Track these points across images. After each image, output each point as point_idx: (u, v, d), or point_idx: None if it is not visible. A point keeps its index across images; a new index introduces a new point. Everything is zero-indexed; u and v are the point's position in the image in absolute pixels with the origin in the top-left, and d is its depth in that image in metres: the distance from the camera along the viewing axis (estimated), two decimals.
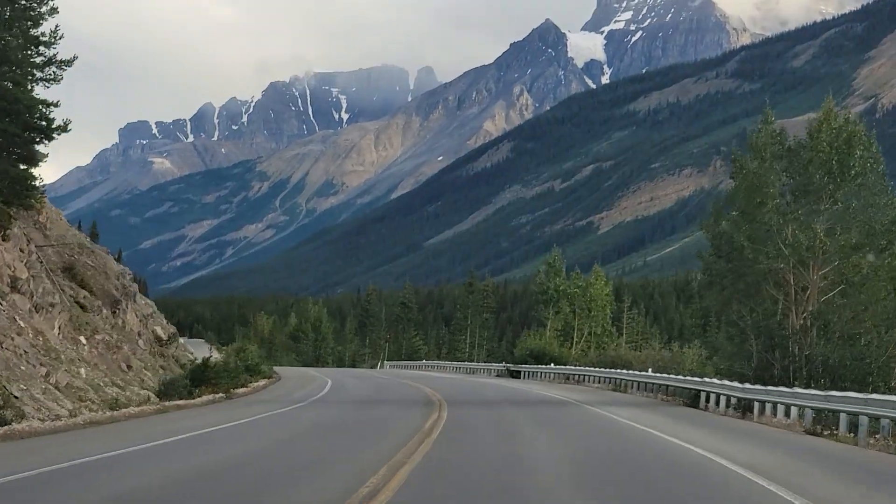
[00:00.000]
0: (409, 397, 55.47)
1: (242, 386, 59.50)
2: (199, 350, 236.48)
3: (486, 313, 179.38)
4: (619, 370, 76.02)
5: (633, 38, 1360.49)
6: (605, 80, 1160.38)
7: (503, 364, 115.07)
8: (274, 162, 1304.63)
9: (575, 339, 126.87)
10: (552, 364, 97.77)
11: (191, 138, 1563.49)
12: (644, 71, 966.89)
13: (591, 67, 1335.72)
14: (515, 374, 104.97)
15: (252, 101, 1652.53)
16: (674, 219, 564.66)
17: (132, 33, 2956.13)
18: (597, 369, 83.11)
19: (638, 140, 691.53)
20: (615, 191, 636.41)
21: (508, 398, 57.32)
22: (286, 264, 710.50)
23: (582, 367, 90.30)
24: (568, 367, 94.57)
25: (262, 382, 69.71)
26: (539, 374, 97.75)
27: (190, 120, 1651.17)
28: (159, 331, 69.23)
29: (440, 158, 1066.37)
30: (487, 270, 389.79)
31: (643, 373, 69.23)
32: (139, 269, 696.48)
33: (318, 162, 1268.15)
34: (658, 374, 65.47)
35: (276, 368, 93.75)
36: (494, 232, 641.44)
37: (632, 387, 68.95)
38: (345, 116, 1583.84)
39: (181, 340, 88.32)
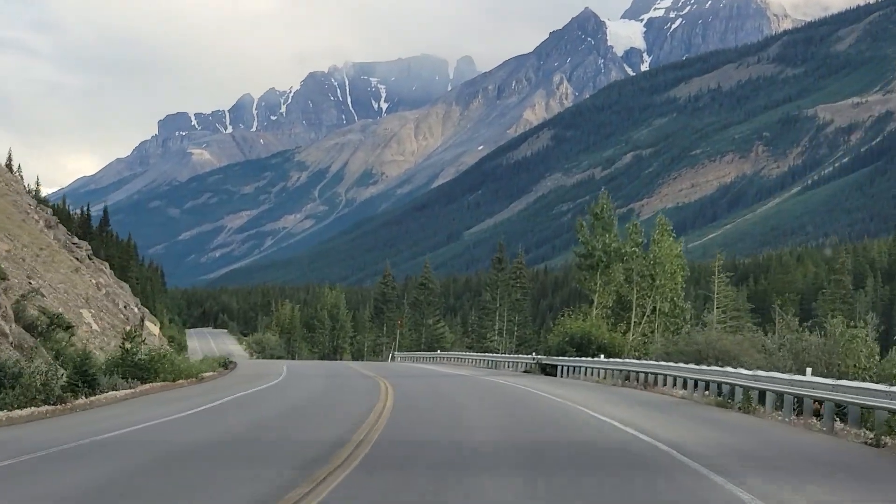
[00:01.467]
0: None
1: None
2: (219, 340, 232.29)
3: (518, 294, 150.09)
4: (737, 370, 41.90)
5: (673, 26, 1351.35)
6: (644, 68, 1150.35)
7: (532, 356, 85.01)
8: (313, 152, 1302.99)
9: (633, 320, 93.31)
10: (601, 356, 70.12)
11: (230, 129, 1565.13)
12: (684, 58, 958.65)
13: (631, 55, 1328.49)
14: (549, 370, 77.28)
15: (291, 92, 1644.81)
16: (715, 205, 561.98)
17: (172, 26, 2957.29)
18: (688, 367, 49.16)
19: (678, 127, 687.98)
20: (655, 178, 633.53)
21: (526, 443, 26.91)
22: (325, 254, 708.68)
23: (654, 363, 57.54)
24: (628, 360, 64.91)
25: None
26: (582, 369, 68.87)
27: (229, 111, 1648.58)
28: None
29: (480, 148, 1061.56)
30: (528, 259, 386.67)
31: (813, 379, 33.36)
32: (178, 260, 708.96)
33: (357, 152, 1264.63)
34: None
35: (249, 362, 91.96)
36: (535, 220, 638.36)
37: (759, 400, 38.10)
38: (384, 106, 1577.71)
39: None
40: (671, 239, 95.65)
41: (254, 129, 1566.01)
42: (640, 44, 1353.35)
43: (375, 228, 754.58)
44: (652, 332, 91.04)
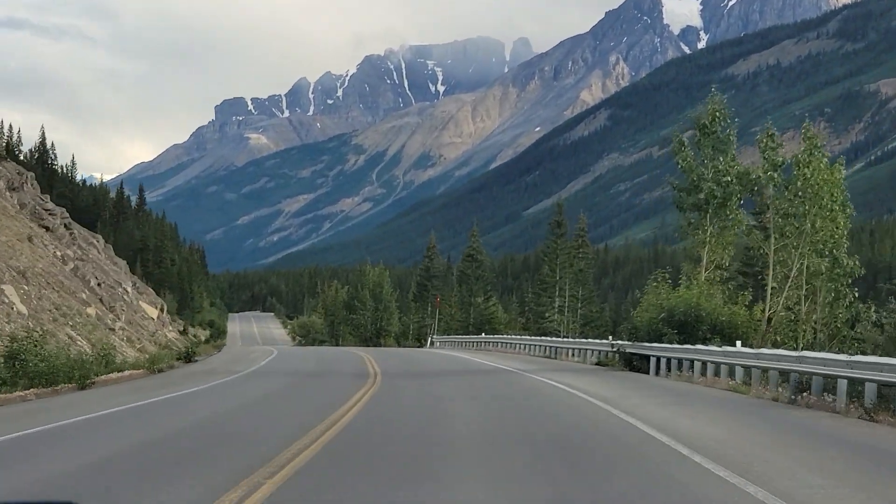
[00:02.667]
0: None
1: None
2: (262, 324, 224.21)
3: (582, 264, 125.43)
4: None
5: (730, 3, 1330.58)
6: (701, 46, 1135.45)
7: (610, 342, 59.75)
8: (370, 135, 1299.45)
9: (771, 285, 57.80)
10: (725, 345, 44.65)
11: (286, 113, 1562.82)
12: (742, 35, 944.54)
13: (688, 34, 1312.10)
14: (637, 364, 52.90)
15: (347, 76, 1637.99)
16: None
17: (227, 11, 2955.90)
18: None
19: (737, 104, 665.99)
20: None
21: None
22: (383, 237, 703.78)
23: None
24: (780, 352, 37.24)
25: None
26: (694, 365, 44.16)
27: (285, 95, 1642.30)
28: None
29: (537, 129, 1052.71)
30: (588, 238, 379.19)
31: None
32: (236, 244, 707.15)
33: (414, 134, 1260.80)
34: None
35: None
36: (593, 200, 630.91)
37: None
38: (441, 89, 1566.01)
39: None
40: (823, 157, 58.78)
41: (310, 112, 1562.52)
42: (696, 22, 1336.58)
43: (433, 210, 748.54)
44: (796, 304, 57.75)
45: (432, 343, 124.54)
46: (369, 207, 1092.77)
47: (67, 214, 77.27)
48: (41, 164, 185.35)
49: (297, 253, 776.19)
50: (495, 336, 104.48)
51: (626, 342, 54.90)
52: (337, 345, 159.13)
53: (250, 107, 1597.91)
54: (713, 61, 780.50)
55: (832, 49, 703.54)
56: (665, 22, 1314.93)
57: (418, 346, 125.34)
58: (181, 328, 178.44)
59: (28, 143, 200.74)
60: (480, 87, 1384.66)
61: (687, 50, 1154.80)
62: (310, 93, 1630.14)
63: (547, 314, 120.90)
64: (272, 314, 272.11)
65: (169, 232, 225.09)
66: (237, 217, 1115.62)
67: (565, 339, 77.76)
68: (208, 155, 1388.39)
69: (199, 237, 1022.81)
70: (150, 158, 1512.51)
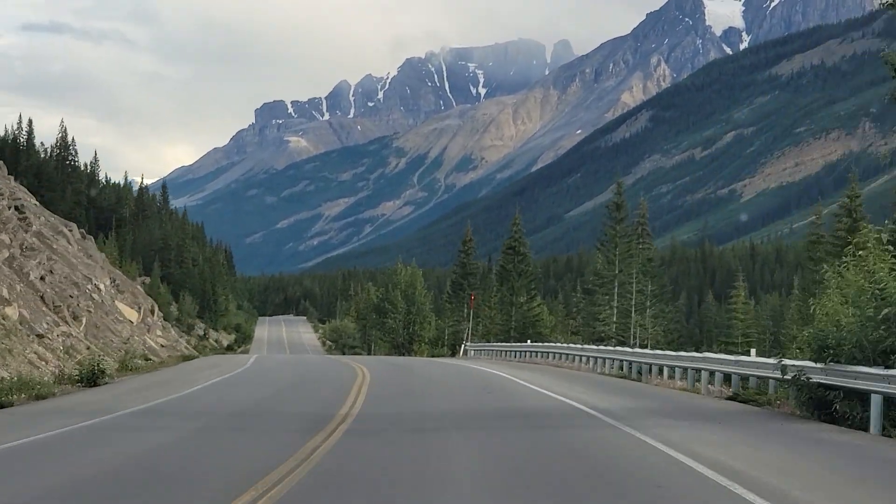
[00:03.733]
0: None
1: None
2: (292, 329, 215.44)
3: (648, 254, 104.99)
4: None
5: (773, 4, 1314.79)
6: (743, 47, 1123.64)
7: (776, 362, 32.17)
8: (411, 138, 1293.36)
9: None
10: None
11: (326, 116, 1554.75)
12: (786, 35, 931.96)
13: (730, 35, 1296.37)
14: (834, 408, 27.39)
15: (388, 78, 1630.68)
16: (821, 184, 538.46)
17: (268, 15, 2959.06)
18: None
19: (781, 104, 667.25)
20: (758, 157, 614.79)
21: None
22: (425, 240, 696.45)
23: None
24: None
25: None
26: None
27: (325, 98, 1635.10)
28: None
29: (578, 132, 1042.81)
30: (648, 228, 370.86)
31: None
32: (276, 248, 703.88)
33: (455, 137, 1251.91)
34: None
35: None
36: (634, 202, 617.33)
37: None
38: (482, 91, 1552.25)
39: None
40: None
41: (351, 115, 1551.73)
42: (738, 23, 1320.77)
43: (475, 213, 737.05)
44: None
45: (465, 352, 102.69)
46: (410, 211, 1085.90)
47: (19, 197, 66.58)
48: (61, 159, 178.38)
49: (337, 257, 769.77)
50: (545, 345, 78.57)
51: (810, 362, 28.73)
52: (368, 352, 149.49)
53: (290, 110, 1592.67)
54: (756, 61, 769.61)
55: (878, 48, 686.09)
56: (707, 23, 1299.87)
57: (451, 356, 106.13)
58: (201, 332, 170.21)
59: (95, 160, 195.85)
60: (521, 90, 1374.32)
61: (729, 51, 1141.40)
62: (350, 95, 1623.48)
63: (602, 315, 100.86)
64: (304, 318, 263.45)
65: (191, 231, 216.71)
66: (277, 221, 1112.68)
67: (660, 354, 50.23)
68: (248, 158, 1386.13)
69: (239, 241, 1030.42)
70: (191, 162, 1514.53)
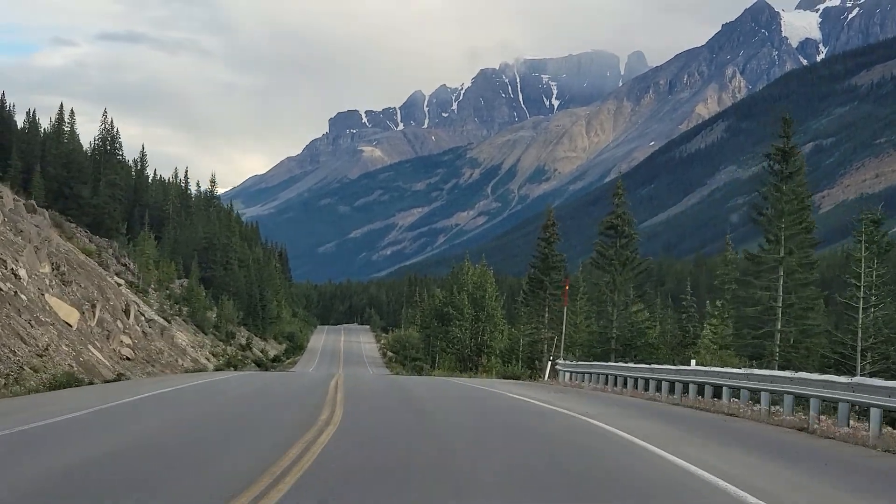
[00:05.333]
0: None
1: None
2: (352, 338, 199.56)
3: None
4: None
5: (850, 15, 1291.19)
6: (820, 59, 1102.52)
7: None
8: (485, 148, 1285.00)
9: None
10: None
11: (401, 126, 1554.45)
12: (864, 45, 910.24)
13: (806, 46, 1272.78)
14: None
15: (462, 89, 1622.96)
16: None
17: (343, 25, 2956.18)
18: None
19: (860, 115, 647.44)
20: (837, 168, 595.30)
21: None
22: (498, 250, 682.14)
23: None
24: None
25: None
26: None
27: (400, 108, 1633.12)
28: None
29: (652, 143, 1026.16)
30: (703, 253, 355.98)
31: None
32: (350, 258, 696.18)
33: (529, 148, 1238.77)
34: None
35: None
36: (710, 214, 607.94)
37: None
38: (555, 103, 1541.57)
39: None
40: None
41: (425, 125, 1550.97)
42: (815, 34, 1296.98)
43: (537, 237, 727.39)
44: None
45: (554, 372, 67.10)
46: (484, 221, 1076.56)
47: None
48: (104, 153, 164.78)
49: (410, 266, 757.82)
50: (727, 373, 38.21)
51: None
52: (433, 365, 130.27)
53: (364, 119, 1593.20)
54: (835, 72, 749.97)
55: None
56: (783, 34, 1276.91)
57: (529, 378, 76.19)
58: (244, 341, 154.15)
59: (148, 158, 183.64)
60: (595, 101, 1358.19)
61: (805, 63, 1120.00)
62: (425, 106, 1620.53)
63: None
64: (368, 327, 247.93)
65: (238, 229, 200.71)
66: (350, 230, 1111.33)
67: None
68: (322, 167, 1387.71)
69: (312, 250, 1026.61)
70: (264, 171, 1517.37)
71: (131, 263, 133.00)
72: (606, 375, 51.99)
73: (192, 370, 58.79)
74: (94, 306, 45.86)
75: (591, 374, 55.33)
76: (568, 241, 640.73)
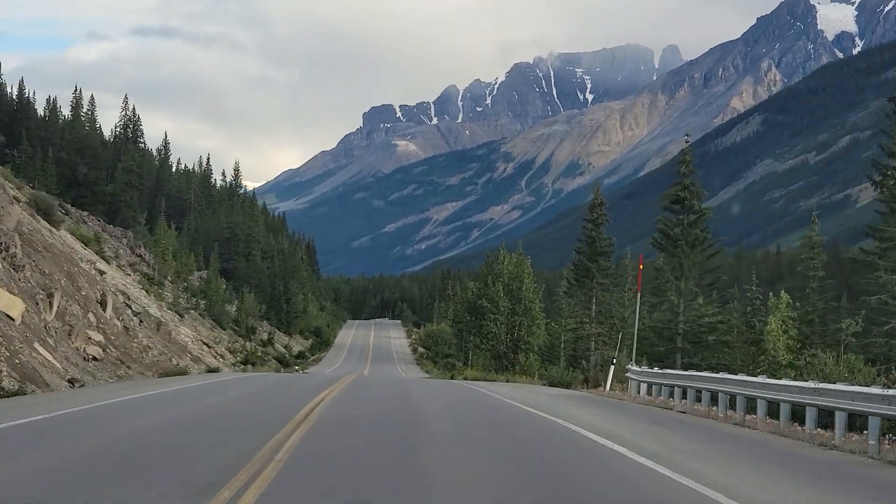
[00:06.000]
0: None
1: None
2: (382, 333, 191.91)
3: None
4: None
5: (886, 8, 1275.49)
6: (856, 52, 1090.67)
7: None
8: (519, 143, 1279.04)
9: None
10: None
11: (435, 121, 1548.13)
12: None
13: (842, 39, 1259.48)
14: None
15: (496, 83, 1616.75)
16: None
17: (377, 19, 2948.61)
18: None
19: None
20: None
21: None
22: (533, 244, 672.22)
23: None
24: None
25: None
26: None
27: (433, 102, 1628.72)
28: None
29: (686, 137, 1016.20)
30: (741, 246, 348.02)
31: None
32: (384, 252, 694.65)
33: (563, 142, 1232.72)
34: None
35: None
36: (746, 208, 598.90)
37: None
38: (589, 97, 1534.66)
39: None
40: None
41: (459, 120, 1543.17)
42: (851, 27, 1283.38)
43: (583, 219, 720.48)
44: None
45: (624, 380, 53.16)
46: (518, 215, 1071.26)
47: None
48: (125, 140, 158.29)
49: (444, 261, 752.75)
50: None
51: None
52: (465, 363, 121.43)
53: (398, 114, 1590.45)
54: (872, 65, 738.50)
55: None
56: (819, 27, 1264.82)
57: (584, 384, 62.47)
58: (265, 336, 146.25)
59: (182, 153, 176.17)
60: (629, 95, 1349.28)
61: (841, 56, 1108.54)
62: (458, 100, 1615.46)
63: None
64: (399, 322, 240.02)
65: (264, 219, 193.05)
66: (384, 224, 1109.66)
67: None
68: (356, 162, 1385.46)
69: (346, 244, 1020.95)
70: (298, 165, 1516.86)
71: (147, 254, 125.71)
72: (714, 392, 36.02)
73: (185, 371, 50.97)
74: (50, 296, 38.11)
75: (680, 387, 39.74)
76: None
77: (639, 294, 57.67)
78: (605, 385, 54.29)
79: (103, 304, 45.34)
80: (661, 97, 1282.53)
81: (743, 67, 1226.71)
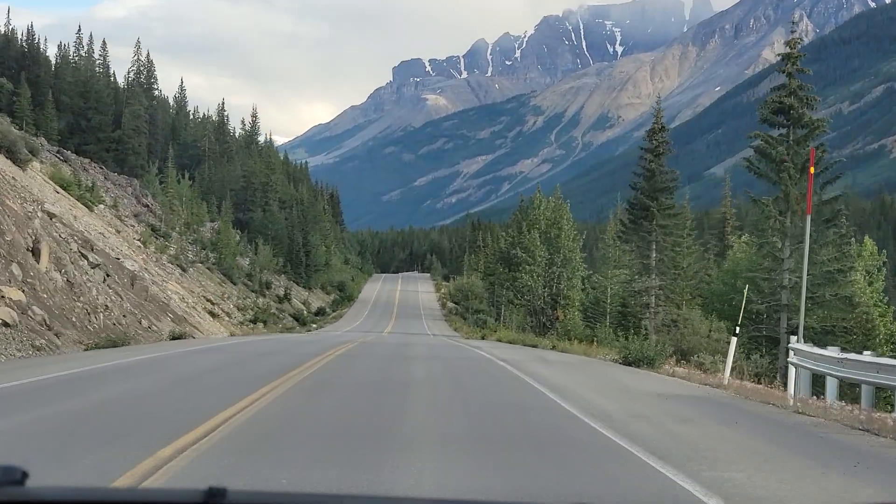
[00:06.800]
0: None
1: None
2: (409, 286, 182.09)
3: None
4: None
5: None
6: (889, 1, 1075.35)
7: None
8: (548, 96, 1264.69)
9: None
10: None
11: (464, 75, 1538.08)
12: None
13: None
14: None
15: (525, 37, 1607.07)
16: None
17: None
18: None
19: None
20: None
21: None
22: (563, 198, 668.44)
23: None
24: None
25: None
26: None
27: (463, 56, 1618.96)
28: None
29: (717, 88, 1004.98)
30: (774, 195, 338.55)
31: None
32: (414, 206, 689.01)
33: (592, 95, 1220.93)
34: None
35: None
36: None
37: None
38: (619, 49, 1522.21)
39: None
40: None
41: (488, 74, 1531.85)
42: None
43: (613, 171, 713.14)
44: None
45: (792, 372, 29.16)
46: (548, 168, 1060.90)
47: None
48: (139, 86, 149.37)
49: (475, 215, 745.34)
50: None
51: None
52: (497, 318, 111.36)
53: (428, 68, 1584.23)
54: None
55: None
56: None
57: (679, 365, 40.41)
58: (282, 291, 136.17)
59: (206, 105, 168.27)
60: (659, 47, 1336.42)
61: (873, 5, 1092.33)
62: (488, 54, 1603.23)
63: None
64: (428, 275, 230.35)
65: (286, 169, 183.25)
66: (414, 178, 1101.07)
67: None
68: (386, 116, 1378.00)
69: (376, 199, 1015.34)
70: (328, 120, 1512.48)
71: (154, 204, 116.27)
72: None
73: (149, 337, 41.21)
74: None
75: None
76: (633, 190, 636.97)
77: (808, 219, 32.06)
78: (723, 372, 32.96)
79: (36, 252, 35.95)
80: (692, 48, 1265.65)
81: (774, 18, 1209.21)
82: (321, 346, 40.07)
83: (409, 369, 29.73)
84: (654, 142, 74.14)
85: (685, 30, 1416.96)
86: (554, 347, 54.55)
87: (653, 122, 75.59)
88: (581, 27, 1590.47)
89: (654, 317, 65.08)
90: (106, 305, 39.99)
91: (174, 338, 43.40)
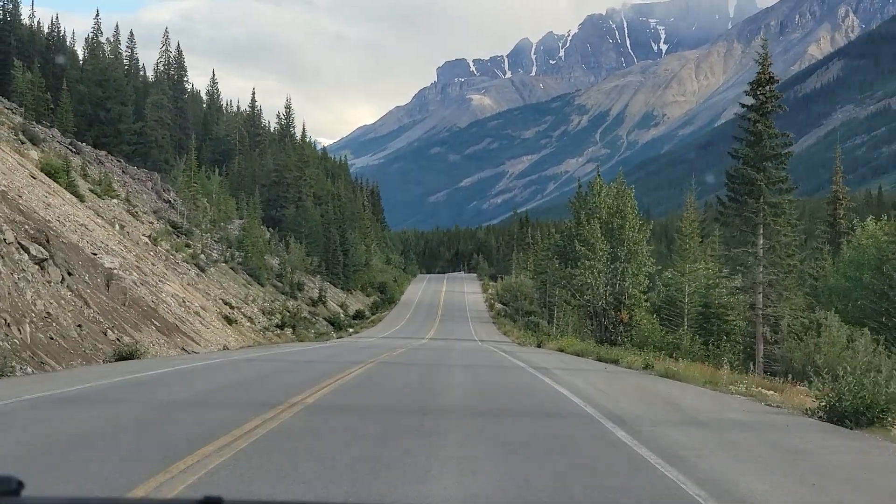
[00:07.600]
0: None
1: None
2: (455, 287, 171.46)
3: None
4: None
5: None
6: None
7: None
8: (593, 95, 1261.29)
9: None
10: None
11: (508, 74, 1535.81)
12: None
13: None
14: None
15: (569, 36, 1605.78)
16: None
17: None
18: None
19: None
20: None
21: None
22: (626, 183, 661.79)
23: None
24: None
25: None
26: None
27: (507, 56, 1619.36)
28: None
29: None
30: (824, 193, 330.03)
31: None
32: (460, 206, 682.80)
33: (637, 93, 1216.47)
34: None
35: None
36: (826, 155, 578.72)
37: None
38: (663, 47, 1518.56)
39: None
40: None
41: (532, 73, 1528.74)
42: None
43: (659, 169, 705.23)
44: None
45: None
46: (593, 168, 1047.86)
47: None
48: (170, 79, 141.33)
49: (521, 214, 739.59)
50: None
51: None
52: (550, 321, 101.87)
53: (472, 68, 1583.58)
54: None
55: None
56: None
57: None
58: (315, 294, 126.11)
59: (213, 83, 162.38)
60: (704, 45, 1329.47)
61: None
62: (532, 53, 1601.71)
63: None
64: (474, 275, 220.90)
65: (323, 164, 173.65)
66: (460, 179, 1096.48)
67: None
68: (430, 116, 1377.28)
69: (423, 199, 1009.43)
70: (373, 121, 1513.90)
71: (175, 199, 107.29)
72: None
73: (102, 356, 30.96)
74: None
75: None
76: (678, 187, 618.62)
77: None
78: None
79: None
80: (737, 45, 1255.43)
81: (820, 14, 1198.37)
82: (320, 371, 28.44)
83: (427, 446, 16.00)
84: (759, 97, 61.87)
85: (730, 27, 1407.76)
86: (648, 366, 38.59)
87: (758, 73, 61.65)
88: (625, 25, 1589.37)
89: (764, 321, 51.81)
90: (48, 313, 30.08)
91: (120, 358, 32.30)
